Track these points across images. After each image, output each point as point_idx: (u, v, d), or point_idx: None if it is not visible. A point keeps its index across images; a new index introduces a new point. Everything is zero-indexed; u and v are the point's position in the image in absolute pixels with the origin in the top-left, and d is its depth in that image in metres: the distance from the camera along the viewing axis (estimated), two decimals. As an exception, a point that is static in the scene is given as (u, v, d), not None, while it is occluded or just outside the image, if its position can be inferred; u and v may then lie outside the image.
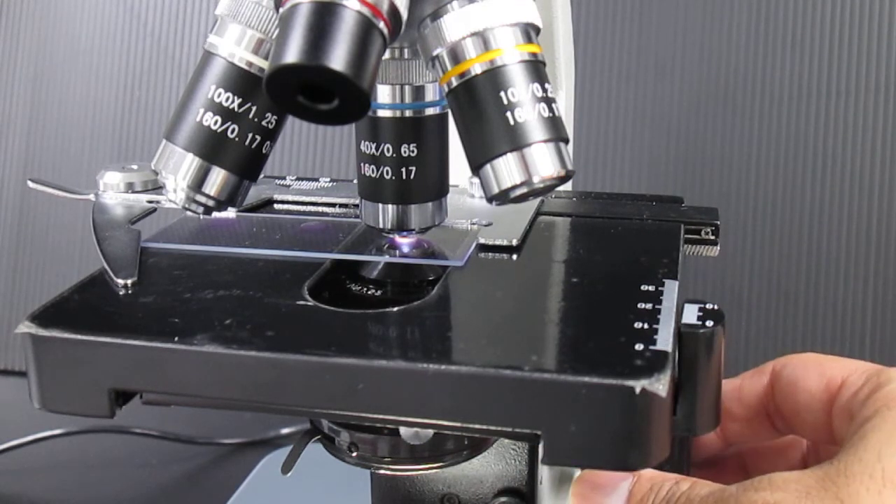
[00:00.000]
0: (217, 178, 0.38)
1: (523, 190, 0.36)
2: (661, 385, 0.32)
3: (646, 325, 0.36)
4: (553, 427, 0.33)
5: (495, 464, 0.46)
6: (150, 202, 0.49)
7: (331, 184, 0.55)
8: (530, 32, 0.37)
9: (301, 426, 0.72)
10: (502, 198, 0.36)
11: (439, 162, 0.41)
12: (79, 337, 0.36)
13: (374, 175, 0.40)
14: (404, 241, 0.43)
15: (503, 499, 0.46)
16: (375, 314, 0.38)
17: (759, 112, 0.83)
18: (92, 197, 0.50)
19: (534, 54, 0.36)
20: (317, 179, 0.56)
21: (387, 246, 0.44)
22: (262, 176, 0.40)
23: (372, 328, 0.37)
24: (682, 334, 0.36)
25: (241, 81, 0.38)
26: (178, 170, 0.38)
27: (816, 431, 0.47)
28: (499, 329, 0.37)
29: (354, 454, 0.42)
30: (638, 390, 0.32)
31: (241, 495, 0.70)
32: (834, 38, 0.82)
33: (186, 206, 0.39)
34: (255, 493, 0.70)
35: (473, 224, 0.47)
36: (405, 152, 0.40)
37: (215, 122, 0.37)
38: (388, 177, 0.40)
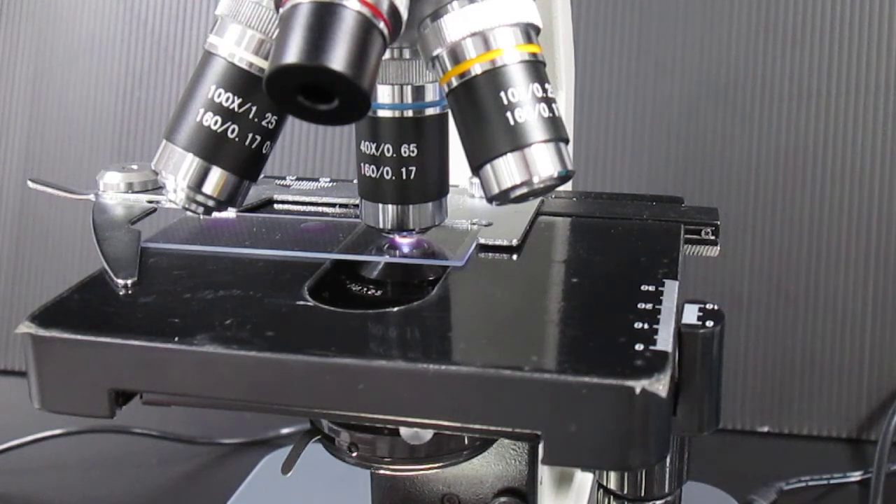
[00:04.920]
0: (217, 178, 0.38)
1: (523, 190, 0.36)
2: (661, 385, 0.32)
3: (646, 326, 0.36)
4: (553, 427, 0.33)
5: (495, 464, 0.46)
6: (150, 202, 0.49)
7: (331, 184, 0.55)
8: (530, 32, 0.37)
9: (301, 426, 0.72)
10: (502, 198, 0.36)
11: (439, 162, 0.41)
12: (79, 337, 0.36)
13: (374, 175, 0.40)
14: (404, 241, 0.43)
15: (503, 499, 0.46)
16: (375, 314, 0.38)
17: (759, 112, 0.83)
18: (92, 197, 0.50)
19: (534, 54, 0.36)
20: (317, 179, 0.56)
21: (387, 246, 0.44)
22: (262, 176, 0.40)
23: (372, 328, 0.37)
24: (682, 334, 0.36)
25: (242, 81, 0.38)
26: (178, 170, 0.38)
27: None
28: (499, 329, 0.37)
29: (354, 454, 0.42)
30: (638, 390, 0.32)
31: (241, 495, 0.70)
32: (834, 38, 0.82)
33: (186, 206, 0.39)
34: (255, 493, 0.70)
35: (473, 224, 0.47)
36: (405, 152, 0.40)
37: (215, 123, 0.37)
38: (388, 177, 0.40)
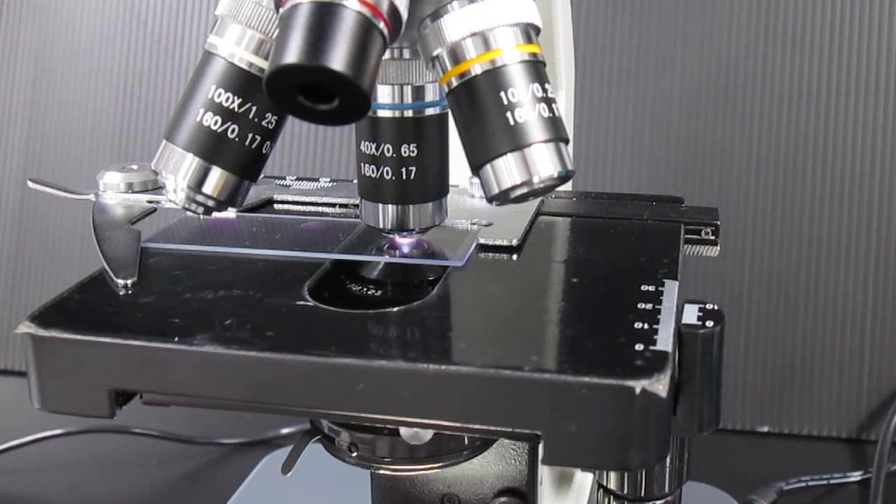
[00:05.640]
0: (217, 179, 0.38)
1: (523, 190, 0.36)
2: (661, 385, 0.32)
3: (646, 326, 0.36)
4: (553, 427, 0.33)
5: (495, 464, 0.46)
6: (150, 202, 0.49)
7: (331, 184, 0.55)
8: (530, 32, 0.37)
9: (301, 426, 0.72)
10: (502, 198, 0.36)
11: (439, 162, 0.41)
12: (79, 337, 0.36)
13: (374, 175, 0.40)
14: (404, 241, 0.43)
15: (503, 499, 0.46)
16: (375, 314, 0.38)
17: (759, 112, 0.83)
18: (92, 197, 0.50)
19: (534, 54, 0.36)
20: (317, 179, 0.56)
21: (387, 246, 0.44)
22: (262, 176, 0.40)
23: (372, 328, 0.37)
24: (682, 334, 0.36)
25: (242, 81, 0.38)
26: (178, 170, 0.38)
27: None
28: (499, 329, 0.37)
29: (354, 454, 0.42)
30: (638, 390, 0.32)
31: (241, 495, 0.70)
32: (834, 38, 0.82)
33: (186, 206, 0.39)
34: (255, 493, 0.70)
35: (473, 224, 0.47)
36: (405, 152, 0.40)
37: (215, 123, 0.37)
38: (388, 177, 0.40)
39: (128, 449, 0.79)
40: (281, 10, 0.33)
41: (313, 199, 0.52)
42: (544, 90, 0.36)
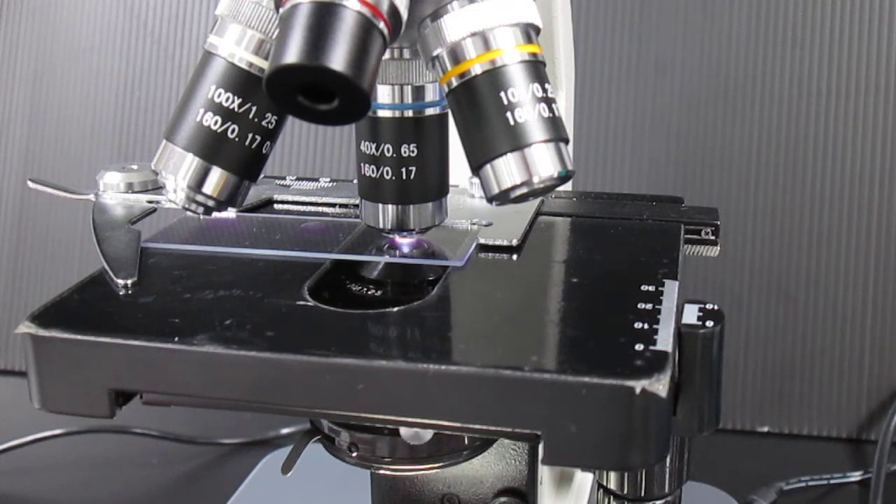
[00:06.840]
0: (217, 179, 0.38)
1: (523, 190, 0.36)
2: (661, 385, 0.32)
3: (646, 326, 0.36)
4: (553, 427, 0.33)
5: (495, 464, 0.46)
6: (150, 202, 0.49)
7: (331, 184, 0.55)
8: (530, 32, 0.37)
9: (301, 426, 0.72)
10: (502, 198, 0.36)
11: (439, 162, 0.41)
12: (79, 337, 0.36)
13: (374, 175, 0.40)
14: (404, 241, 0.43)
15: (503, 499, 0.46)
16: (375, 314, 0.38)
17: (759, 112, 0.83)
18: (92, 197, 0.50)
19: (534, 54, 0.36)
20: (317, 179, 0.56)
21: (387, 246, 0.44)
22: (262, 176, 0.40)
23: (372, 328, 0.37)
24: (682, 334, 0.36)
25: (242, 81, 0.38)
26: (178, 170, 0.38)
27: None
28: (499, 329, 0.37)
29: (354, 454, 0.42)
30: (638, 390, 0.32)
31: (241, 495, 0.70)
32: (834, 38, 0.82)
33: (186, 206, 0.39)
34: (255, 493, 0.70)
35: (473, 224, 0.47)
36: (405, 152, 0.40)
37: (215, 123, 0.37)
38: (388, 177, 0.40)
39: (128, 449, 0.79)
40: (281, 10, 0.33)
41: (313, 199, 0.52)
42: (544, 90, 0.36)
